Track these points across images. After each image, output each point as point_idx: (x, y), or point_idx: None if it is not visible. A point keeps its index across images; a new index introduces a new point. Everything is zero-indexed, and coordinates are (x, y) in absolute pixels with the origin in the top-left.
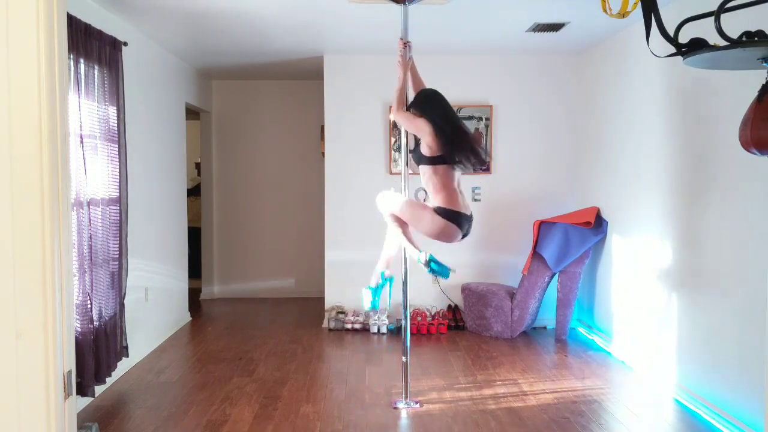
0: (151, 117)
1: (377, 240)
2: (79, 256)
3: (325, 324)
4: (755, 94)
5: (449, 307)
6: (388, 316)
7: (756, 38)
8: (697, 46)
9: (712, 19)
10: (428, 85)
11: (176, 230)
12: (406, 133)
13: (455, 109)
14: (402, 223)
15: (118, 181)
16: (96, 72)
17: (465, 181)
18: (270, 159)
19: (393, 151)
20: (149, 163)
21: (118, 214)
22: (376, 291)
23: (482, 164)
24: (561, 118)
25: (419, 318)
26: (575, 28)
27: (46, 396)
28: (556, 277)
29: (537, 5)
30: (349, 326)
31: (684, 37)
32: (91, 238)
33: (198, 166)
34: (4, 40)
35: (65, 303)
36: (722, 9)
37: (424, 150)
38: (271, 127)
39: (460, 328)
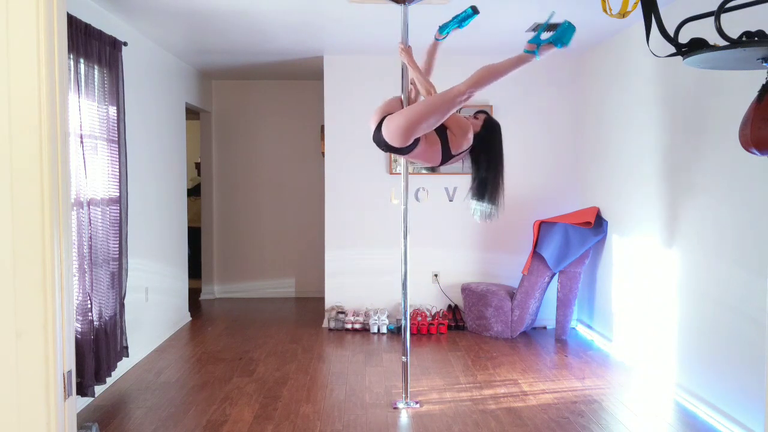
0: (151, 117)
1: (377, 239)
2: (79, 256)
3: (325, 324)
4: (755, 94)
5: (449, 307)
6: (388, 316)
7: (756, 38)
8: (697, 46)
9: (712, 19)
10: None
11: (176, 230)
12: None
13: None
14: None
15: (118, 181)
16: (96, 72)
17: (463, 180)
18: (270, 159)
19: None
20: (149, 163)
21: (118, 214)
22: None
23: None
24: (561, 118)
25: (419, 318)
26: (575, 28)
27: (46, 396)
28: (556, 277)
29: (537, 5)
30: (349, 326)
31: (684, 37)
32: (91, 238)
33: (198, 166)
34: (4, 40)
35: (65, 303)
36: (722, 9)
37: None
38: (271, 127)
39: (460, 328)
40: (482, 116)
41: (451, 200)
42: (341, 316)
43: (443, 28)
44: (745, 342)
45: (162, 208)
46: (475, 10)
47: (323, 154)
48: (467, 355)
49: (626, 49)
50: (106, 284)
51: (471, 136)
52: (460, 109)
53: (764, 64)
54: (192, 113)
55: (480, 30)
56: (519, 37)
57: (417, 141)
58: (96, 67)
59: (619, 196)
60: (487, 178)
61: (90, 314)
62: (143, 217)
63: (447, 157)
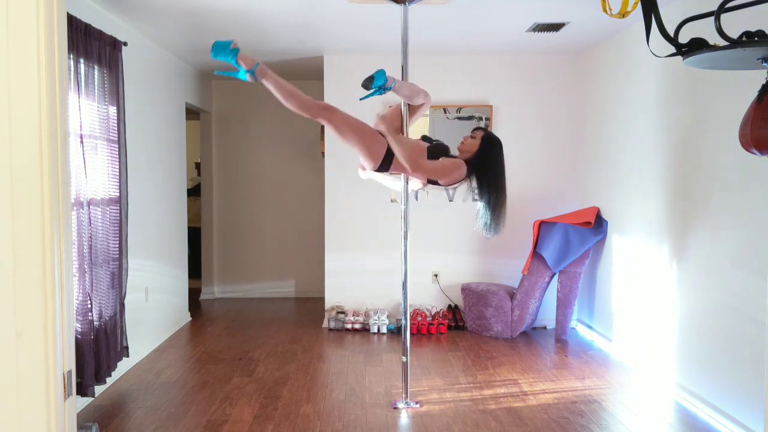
0: (151, 117)
1: (377, 239)
2: (79, 256)
3: (325, 324)
4: (755, 94)
5: (449, 307)
6: (388, 316)
7: (756, 38)
8: (697, 46)
9: (712, 19)
10: (428, 86)
11: (176, 230)
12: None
13: (455, 108)
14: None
15: (118, 181)
16: (96, 72)
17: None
18: (270, 159)
19: None
20: (149, 163)
21: (118, 214)
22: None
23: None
24: (561, 118)
25: (419, 318)
26: (575, 28)
27: (46, 396)
28: (556, 277)
29: (537, 5)
30: (349, 326)
31: (684, 37)
32: (91, 238)
33: (198, 166)
34: (4, 40)
35: (65, 303)
36: (722, 9)
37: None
38: (271, 127)
39: (460, 328)
40: (480, 134)
41: (451, 200)
42: (341, 316)
43: (379, 90)
44: (745, 342)
45: (162, 208)
46: (367, 84)
47: (323, 154)
48: (467, 355)
49: (626, 49)
50: (106, 284)
51: (462, 171)
52: (461, 112)
53: (764, 64)
54: (192, 113)
55: (480, 30)
56: (518, 37)
57: (390, 160)
58: (96, 67)
59: (619, 196)
60: (489, 196)
61: (90, 314)
62: (143, 217)
63: (435, 183)
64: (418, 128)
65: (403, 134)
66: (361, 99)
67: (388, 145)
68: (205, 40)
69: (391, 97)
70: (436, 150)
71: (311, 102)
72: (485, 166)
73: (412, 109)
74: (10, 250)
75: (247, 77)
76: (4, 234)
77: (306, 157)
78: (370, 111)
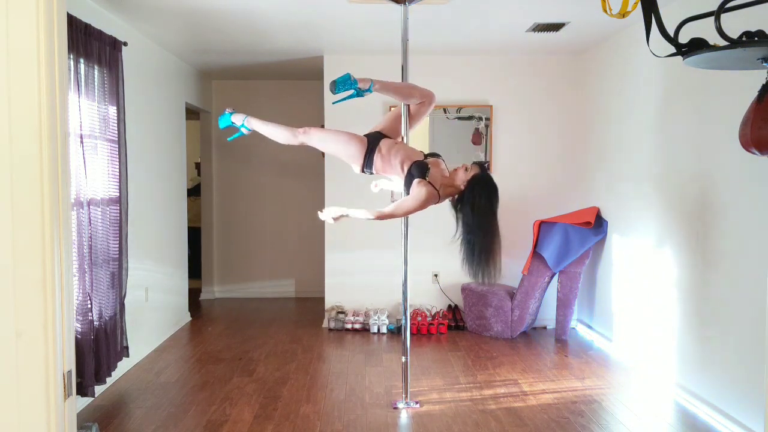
0: (151, 117)
1: (377, 239)
2: (79, 256)
3: (325, 324)
4: (755, 94)
5: (449, 307)
6: (388, 316)
7: (756, 38)
8: (697, 46)
9: (712, 19)
10: (428, 86)
11: (176, 230)
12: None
13: (455, 108)
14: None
15: (118, 181)
16: (96, 72)
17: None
18: (270, 159)
19: None
20: (149, 163)
21: (118, 214)
22: None
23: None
24: (561, 117)
25: (419, 318)
26: (575, 28)
27: (46, 396)
28: (556, 277)
29: (537, 5)
30: (349, 326)
31: (684, 37)
32: (91, 238)
33: (198, 166)
34: (4, 40)
35: (65, 303)
36: (722, 9)
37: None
38: None
39: (460, 328)
40: (473, 171)
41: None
42: (341, 316)
43: (357, 93)
44: (745, 342)
45: (162, 208)
46: (332, 88)
47: (323, 154)
48: (467, 355)
49: (626, 49)
50: (106, 284)
51: (434, 199)
52: (461, 112)
53: (764, 64)
54: (192, 113)
55: (480, 30)
56: (518, 37)
57: (371, 160)
58: (96, 67)
59: (619, 196)
60: (472, 239)
61: (90, 314)
62: (143, 217)
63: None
64: (418, 129)
65: (402, 138)
66: (333, 103)
67: (369, 146)
68: (205, 40)
69: (393, 99)
70: (416, 170)
71: (292, 130)
72: (471, 207)
73: (413, 110)
74: (10, 250)
75: (243, 131)
76: (4, 234)
77: (306, 157)
78: (371, 112)
